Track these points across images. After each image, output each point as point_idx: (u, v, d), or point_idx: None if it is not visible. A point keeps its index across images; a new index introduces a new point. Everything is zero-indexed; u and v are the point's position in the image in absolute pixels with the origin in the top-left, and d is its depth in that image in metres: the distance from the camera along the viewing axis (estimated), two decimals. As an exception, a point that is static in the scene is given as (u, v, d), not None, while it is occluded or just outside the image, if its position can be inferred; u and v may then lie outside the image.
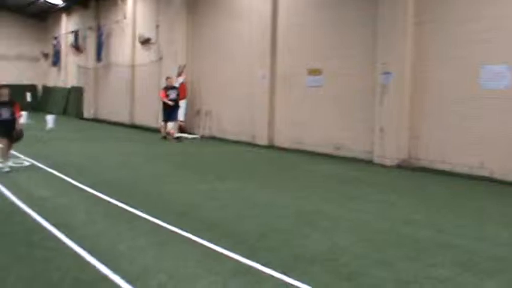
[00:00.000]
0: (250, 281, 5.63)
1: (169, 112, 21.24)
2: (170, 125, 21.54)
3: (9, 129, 12.62)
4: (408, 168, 14.08)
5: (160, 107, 22.15)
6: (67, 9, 36.47)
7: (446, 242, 7.41)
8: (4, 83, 12.56)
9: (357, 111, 16.10)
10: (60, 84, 36.99)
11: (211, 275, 5.85)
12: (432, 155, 13.95)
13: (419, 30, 14.28)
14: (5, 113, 12.63)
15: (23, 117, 27.79)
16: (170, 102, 21.04)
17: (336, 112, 16.87)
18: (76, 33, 34.43)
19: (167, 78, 21.72)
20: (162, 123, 21.84)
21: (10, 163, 12.91)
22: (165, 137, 21.14)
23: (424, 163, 14.07)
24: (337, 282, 5.70)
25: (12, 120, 12.71)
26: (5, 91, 12.77)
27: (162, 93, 21.43)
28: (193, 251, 6.73)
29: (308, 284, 5.47)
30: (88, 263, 6.21)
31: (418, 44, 14.31)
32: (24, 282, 5.66)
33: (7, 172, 12.24)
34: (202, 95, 23.56)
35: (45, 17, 40.79)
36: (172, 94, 21.21)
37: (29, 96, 33.30)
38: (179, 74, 23.59)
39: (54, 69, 38.99)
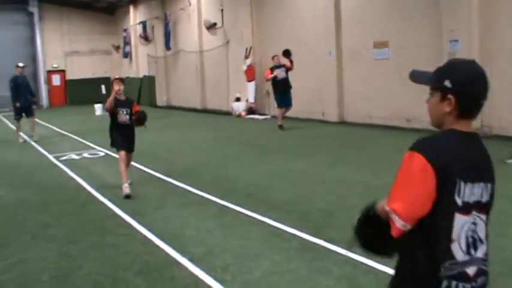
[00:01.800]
0: (313, 258, 5.68)
1: (282, 95, 18.08)
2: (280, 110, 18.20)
3: (128, 137, 9.89)
4: (480, 137, 13.70)
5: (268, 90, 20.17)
6: (134, 1, 37.13)
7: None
8: (117, 76, 10.20)
9: (426, 82, 15.75)
10: (132, 74, 37.77)
11: (275, 254, 5.94)
12: (505, 122, 13.53)
13: (485, -7, 13.84)
14: (123, 116, 9.76)
15: (99, 109, 28.80)
16: (274, 74, 17.93)
17: (404, 84, 16.51)
18: (144, 24, 34.97)
19: (273, 57, 18.59)
20: (277, 110, 18.47)
21: (129, 181, 9.50)
22: (281, 126, 17.76)
23: (497, 131, 13.67)
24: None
25: (132, 125, 9.93)
26: (121, 86, 9.74)
27: (267, 72, 18.61)
28: (259, 231, 6.84)
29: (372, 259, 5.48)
30: (157, 247, 6.42)
31: (484, 8, 13.85)
32: (97, 266, 5.92)
33: (126, 197, 9.04)
34: (270, 75, 23.59)
35: (114, 10, 41.63)
36: (282, 73, 17.95)
37: (103, 89, 34.07)
38: (246, 57, 23.70)
39: (126, 61, 39.79)
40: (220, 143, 15.91)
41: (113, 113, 9.76)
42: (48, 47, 39.54)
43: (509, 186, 8.55)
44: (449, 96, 2.43)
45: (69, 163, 13.04)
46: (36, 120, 19.71)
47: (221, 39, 26.64)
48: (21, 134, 18.11)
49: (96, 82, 37.20)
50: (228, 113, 24.50)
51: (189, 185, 9.67)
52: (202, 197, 8.91)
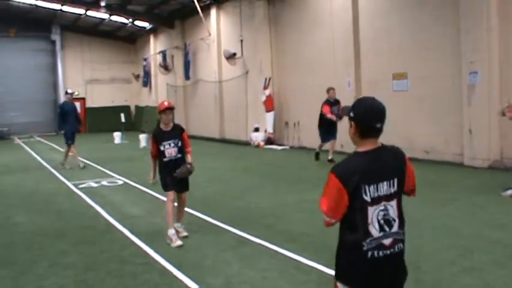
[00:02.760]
0: (333, 291, 5.61)
1: (329, 129, 16.64)
2: (327, 144, 16.91)
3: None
4: (500, 169, 13.60)
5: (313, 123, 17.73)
6: (154, 30, 37.56)
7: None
8: (166, 104, 8.26)
9: (445, 113, 15.70)
10: (151, 103, 38.04)
11: (294, 286, 5.88)
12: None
13: (505, 24, 13.82)
14: (172, 149, 8.25)
15: (118, 138, 29.00)
16: (334, 118, 16.21)
17: (423, 115, 16.52)
18: (164, 53, 35.35)
19: (329, 89, 16.72)
20: (319, 145, 17.33)
21: (185, 233, 8.41)
22: (317, 154, 17.29)
23: (519, 163, 13.53)
24: (422, 290, 5.63)
25: (182, 159, 8.33)
26: (169, 116, 8.29)
27: (325, 107, 16.55)
28: (277, 263, 6.78)
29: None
30: (175, 278, 6.38)
31: (504, 39, 13.85)
32: (114, 297, 5.89)
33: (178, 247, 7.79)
34: (289, 106, 23.64)
35: (134, 39, 42.17)
36: (337, 109, 16.31)
37: (122, 117, 34.40)
38: (265, 87, 23.81)
39: (145, 90, 40.13)
40: (238, 173, 15.90)
41: (158, 153, 8.27)
42: (69, 75, 40.14)
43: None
44: (352, 123, 3.41)
45: (87, 191, 13.09)
46: (55, 146, 19.81)
47: (240, 69, 26.81)
48: (79, 158, 18.35)
49: (116, 110, 37.53)
50: (247, 143, 24.55)
51: (207, 215, 9.65)
52: (220, 227, 8.88)
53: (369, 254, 3.31)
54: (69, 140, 17.95)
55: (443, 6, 15.51)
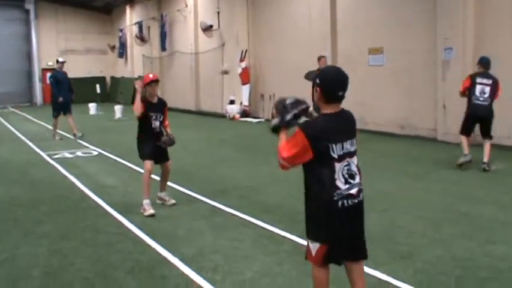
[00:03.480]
0: (304, 261, 5.67)
1: None
2: None
3: (162, 147, 8.35)
4: (473, 146, 13.77)
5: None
6: (130, 1, 37.13)
7: (508, 220, 7.28)
8: (152, 76, 8.31)
9: (420, 89, 15.83)
10: (127, 74, 37.75)
11: (266, 256, 5.98)
12: (498, 131, 13.56)
13: (481, 1, 13.92)
14: (156, 122, 8.32)
15: (93, 108, 28.77)
16: None
17: (398, 90, 16.64)
18: (140, 24, 35.01)
19: (320, 58, 15.79)
20: None
21: (172, 200, 8.53)
22: None
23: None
24: (397, 261, 5.75)
25: (161, 133, 8.32)
26: (155, 88, 8.33)
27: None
28: (250, 233, 6.87)
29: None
30: (148, 246, 6.45)
31: (480, 16, 13.95)
32: (88, 264, 5.94)
33: (150, 216, 7.83)
34: (265, 79, 23.62)
35: (110, 10, 41.65)
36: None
37: (98, 88, 34.08)
38: (241, 60, 23.76)
39: (121, 61, 39.78)
40: (213, 145, 15.94)
41: (142, 118, 8.24)
42: (44, 45, 39.58)
43: (497, 195, 8.66)
44: (317, 88, 3.87)
45: (62, 161, 13.04)
46: (30, 117, 19.61)
47: (217, 42, 26.70)
48: (58, 131, 17.88)
49: (91, 81, 37.16)
50: (222, 116, 24.55)
51: (180, 185, 9.69)
52: (194, 197, 8.95)
53: (339, 203, 3.78)
54: (55, 112, 17.55)
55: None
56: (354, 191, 3.86)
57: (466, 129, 11.12)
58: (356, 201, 3.87)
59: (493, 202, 8.21)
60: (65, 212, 8.29)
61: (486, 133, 10.95)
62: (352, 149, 3.92)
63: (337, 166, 3.79)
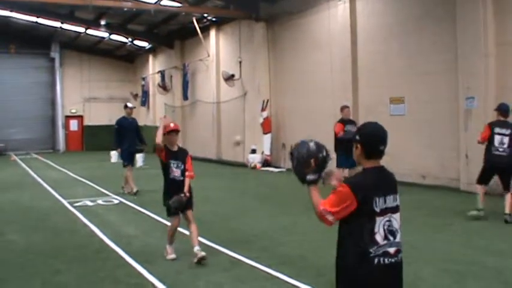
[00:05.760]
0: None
1: (347, 154, 13.08)
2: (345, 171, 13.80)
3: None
4: (495, 195, 13.58)
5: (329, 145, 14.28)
6: (153, 50, 37.68)
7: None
8: (173, 126, 8.18)
9: (442, 138, 15.73)
10: (149, 123, 38.06)
11: (287, 310, 5.86)
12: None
13: (502, 50, 13.91)
14: (176, 170, 8.11)
15: (114, 157, 28.92)
16: (341, 134, 14.26)
17: (420, 140, 16.56)
18: (162, 73, 35.40)
19: (343, 108, 15.41)
20: (337, 169, 13.12)
21: (202, 253, 7.89)
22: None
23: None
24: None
25: (183, 183, 8.15)
26: (175, 138, 8.20)
27: (338, 126, 14.74)
28: (272, 287, 6.75)
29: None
30: (168, 299, 6.35)
31: (501, 65, 13.93)
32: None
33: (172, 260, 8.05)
34: (286, 128, 23.67)
35: (133, 58, 42.28)
36: (353, 130, 13.10)
37: (120, 136, 34.38)
38: (263, 109, 23.86)
39: (143, 109, 40.16)
40: (234, 194, 15.88)
41: (163, 166, 8.10)
42: (68, 93, 40.19)
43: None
44: (358, 145, 3.86)
45: (83, 209, 13.04)
46: (52, 164, 19.67)
47: (238, 91, 26.88)
48: (131, 183, 15.89)
49: (113, 129, 37.46)
50: (243, 165, 24.52)
51: (201, 236, 9.56)
52: (214, 248, 8.85)
53: (376, 260, 3.62)
54: (125, 161, 16.00)
55: (440, 32, 15.61)
56: (392, 249, 3.70)
57: (483, 180, 11.01)
58: (393, 260, 3.70)
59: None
60: (84, 261, 8.23)
61: (506, 185, 10.79)
62: (395, 204, 3.81)
63: (378, 220, 3.69)
